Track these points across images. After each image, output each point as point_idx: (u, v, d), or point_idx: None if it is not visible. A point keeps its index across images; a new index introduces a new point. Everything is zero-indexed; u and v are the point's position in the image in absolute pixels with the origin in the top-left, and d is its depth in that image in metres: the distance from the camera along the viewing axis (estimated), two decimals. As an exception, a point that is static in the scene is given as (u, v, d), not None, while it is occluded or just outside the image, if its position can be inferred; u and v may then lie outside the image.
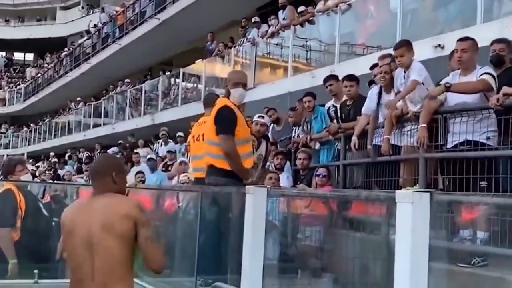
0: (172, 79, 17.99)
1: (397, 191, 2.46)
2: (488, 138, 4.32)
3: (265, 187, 3.70)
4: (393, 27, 8.87)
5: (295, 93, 9.72)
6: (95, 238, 2.83)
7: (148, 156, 10.89)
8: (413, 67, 5.06)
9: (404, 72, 5.14)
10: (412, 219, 2.45)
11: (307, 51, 11.44)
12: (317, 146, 7.04)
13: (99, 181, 2.99)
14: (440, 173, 4.69)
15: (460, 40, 4.72)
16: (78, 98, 24.80)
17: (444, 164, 4.62)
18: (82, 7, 35.68)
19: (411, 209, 2.42)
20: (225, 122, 4.51)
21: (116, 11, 22.71)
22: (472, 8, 7.56)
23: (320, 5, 10.87)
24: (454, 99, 4.64)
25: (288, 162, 7.06)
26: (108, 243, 2.81)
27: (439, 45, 7.57)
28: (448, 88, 4.58)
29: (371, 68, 6.31)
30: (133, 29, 19.98)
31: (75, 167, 16.56)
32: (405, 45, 5.21)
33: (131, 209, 2.86)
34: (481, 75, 4.46)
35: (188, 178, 7.44)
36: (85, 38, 25.89)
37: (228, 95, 4.73)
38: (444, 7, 8.40)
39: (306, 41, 11.28)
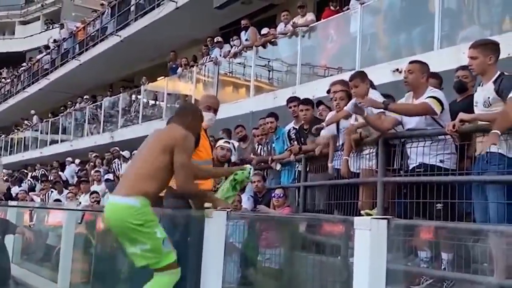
0: (134, 96, 17.79)
1: (355, 218, 2.48)
2: (441, 161, 4.32)
3: (225, 210, 3.68)
4: (353, 50, 9.02)
5: (257, 113, 9.75)
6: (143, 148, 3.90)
7: (106, 177, 10.67)
8: (370, 94, 5.06)
9: None
10: (370, 245, 2.47)
11: (269, 71, 11.51)
12: (278, 167, 7.06)
13: (178, 116, 4.02)
14: (398, 196, 4.71)
15: (410, 62, 4.81)
16: (32, 111, 24.11)
17: (402, 188, 4.66)
18: (45, 22, 35.11)
19: (369, 236, 2.44)
20: None
21: (77, 27, 22.40)
22: (430, 34, 7.75)
23: (280, 28, 10.97)
24: (409, 121, 4.66)
25: (249, 182, 7.04)
26: (149, 152, 3.80)
27: (397, 69, 7.72)
28: (386, 106, 4.62)
29: (328, 91, 6.39)
30: (94, 45, 19.74)
31: (27, 184, 15.96)
32: (359, 76, 5.25)
33: (176, 135, 3.77)
34: (426, 98, 4.46)
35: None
36: (44, 53, 25.40)
37: None
38: (403, 32, 8.59)
39: (269, 61, 11.36)
